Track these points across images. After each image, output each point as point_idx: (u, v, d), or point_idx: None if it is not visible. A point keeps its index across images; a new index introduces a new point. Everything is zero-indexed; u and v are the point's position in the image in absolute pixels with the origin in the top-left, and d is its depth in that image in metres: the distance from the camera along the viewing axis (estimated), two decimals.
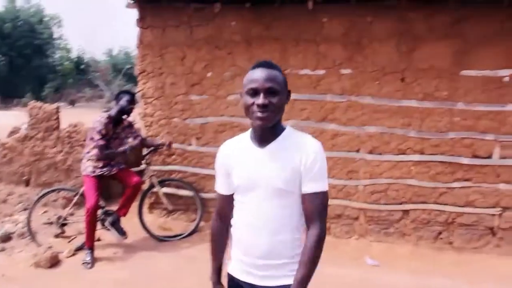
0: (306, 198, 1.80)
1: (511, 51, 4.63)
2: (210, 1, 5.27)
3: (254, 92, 1.77)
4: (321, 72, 4.96)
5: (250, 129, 1.91)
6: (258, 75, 1.78)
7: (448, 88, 4.72)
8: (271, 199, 1.81)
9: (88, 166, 4.81)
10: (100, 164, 4.83)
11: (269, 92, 1.75)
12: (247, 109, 1.79)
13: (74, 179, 6.10)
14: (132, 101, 4.87)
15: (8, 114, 16.89)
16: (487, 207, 4.78)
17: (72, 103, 24.44)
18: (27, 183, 6.60)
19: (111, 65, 29.07)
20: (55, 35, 29.58)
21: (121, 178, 5.00)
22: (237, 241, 1.94)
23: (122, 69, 26.78)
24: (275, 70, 1.82)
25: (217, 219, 2.06)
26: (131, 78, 26.23)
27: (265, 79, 1.76)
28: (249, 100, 1.77)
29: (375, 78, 4.86)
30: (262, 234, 1.83)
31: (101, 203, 4.98)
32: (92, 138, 4.73)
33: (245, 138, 1.92)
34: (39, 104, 6.44)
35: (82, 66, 29.16)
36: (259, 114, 1.74)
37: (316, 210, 1.80)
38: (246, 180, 1.85)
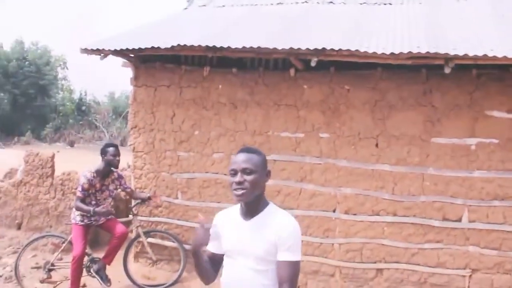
0: (280, 265, 2.18)
1: (478, 120, 5.04)
2: (199, 64, 5.79)
3: (234, 173, 2.17)
4: (301, 135, 5.39)
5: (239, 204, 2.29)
6: (237, 159, 2.20)
7: (419, 154, 5.13)
8: (251, 264, 2.20)
9: (77, 215, 5.23)
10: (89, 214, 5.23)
11: (245, 172, 2.15)
12: (230, 186, 2.20)
13: (64, 225, 6.49)
14: (117, 154, 5.28)
15: (8, 152, 17.38)
16: (457, 268, 5.09)
17: (71, 144, 25.09)
18: (18, 226, 7.05)
19: (111, 108, 30.23)
20: (59, 76, 30.97)
21: (108, 228, 5.40)
22: None
23: (122, 112, 27.64)
24: (253, 154, 2.22)
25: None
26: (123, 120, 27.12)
27: (242, 161, 2.17)
28: (231, 179, 2.18)
29: (351, 142, 5.28)
30: None
31: (88, 250, 5.37)
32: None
33: (235, 211, 2.32)
34: (35, 151, 6.93)
35: (83, 108, 30.45)
36: (236, 192, 2.16)
37: (288, 276, 2.16)
38: (232, 247, 2.25)
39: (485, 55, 4.33)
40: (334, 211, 5.34)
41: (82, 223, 5.20)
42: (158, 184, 5.95)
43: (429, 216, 5.13)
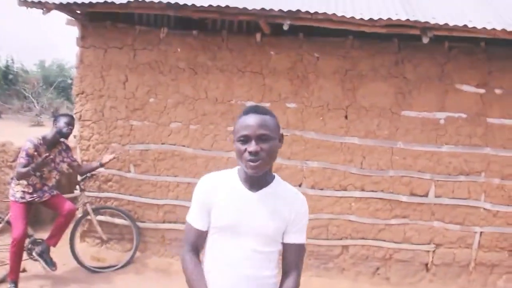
0: (289, 248, 1.92)
1: (449, 94, 5.00)
2: (155, 25, 5.33)
3: (246, 140, 1.80)
4: (267, 104, 5.12)
5: (238, 169, 1.94)
6: (249, 122, 1.81)
7: (389, 127, 5.02)
8: (256, 245, 1.87)
9: (16, 191, 4.69)
10: (30, 190, 4.72)
11: (261, 139, 1.79)
12: (239, 156, 1.82)
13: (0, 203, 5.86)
14: (71, 124, 4.79)
15: None
16: (422, 244, 5.08)
17: None
18: None
19: (42, 77, 28.14)
20: None
21: (53, 205, 4.90)
22: (210, 284, 1.88)
23: (53, 82, 26.57)
24: (267, 116, 1.85)
25: (192, 253, 1.94)
26: (63, 92, 27.11)
27: (257, 125, 1.80)
28: (241, 147, 1.81)
29: (319, 113, 5.08)
30: (240, 278, 1.87)
31: (29, 231, 4.86)
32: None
33: (233, 177, 1.93)
34: None
35: (10, 76, 28.26)
36: (251, 163, 1.79)
37: (296, 260, 1.92)
38: (233, 222, 1.87)
39: (465, 26, 4.26)
40: (300, 185, 5.15)
41: (22, 201, 4.66)
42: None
43: (397, 191, 5.07)
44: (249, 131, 1.79)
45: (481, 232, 5.08)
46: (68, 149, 4.99)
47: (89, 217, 5.27)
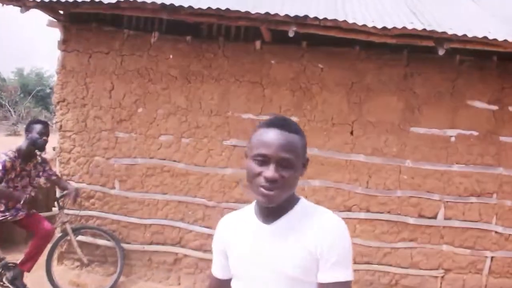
0: None
1: (459, 110, 4.75)
2: (145, 29, 4.95)
3: (263, 160, 1.43)
4: (266, 117, 4.68)
5: (255, 201, 1.57)
6: (272, 139, 1.43)
7: (397, 144, 4.73)
8: None
9: None
10: (2, 208, 4.29)
11: (282, 164, 1.42)
12: (251, 178, 1.46)
13: None
14: (45, 133, 4.37)
15: None
16: (430, 269, 4.79)
17: None
18: None
19: (20, 86, 28.14)
20: None
21: (28, 225, 4.48)
22: None
23: (32, 91, 26.49)
24: (295, 135, 1.47)
25: None
26: (41, 101, 26.88)
27: (281, 145, 1.42)
28: (256, 168, 1.44)
29: (323, 128, 4.77)
30: None
31: (0, 254, 4.40)
32: None
33: (249, 211, 1.60)
34: None
35: None
36: (264, 191, 1.42)
37: None
38: (247, 264, 1.54)
39: (484, 37, 3.96)
40: None
41: None
42: (89, 171, 5.03)
43: (404, 212, 4.77)
44: (270, 151, 1.42)
45: (492, 257, 4.80)
46: (44, 162, 4.58)
47: (68, 237, 4.81)
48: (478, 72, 4.75)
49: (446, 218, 4.79)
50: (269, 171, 1.41)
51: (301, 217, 1.51)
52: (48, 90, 28.31)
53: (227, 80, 4.85)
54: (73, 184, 4.78)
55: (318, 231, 1.47)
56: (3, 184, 4.14)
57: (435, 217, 4.78)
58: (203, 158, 4.88)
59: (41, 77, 30.86)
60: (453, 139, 4.75)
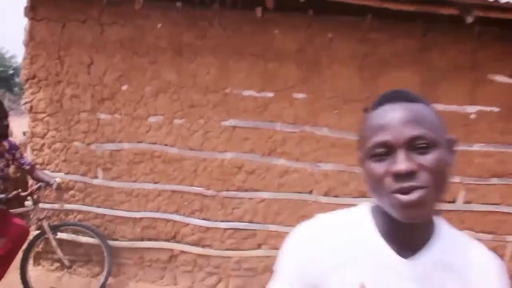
0: None
1: (480, 85, 4.37)
2: None
3: (385, 152, 0.95)
4: (269, 94, 4.30)
5: (371, 208, 1.09)
6: (390, 118, 0.96)
7: None
8: None
9: None
10: None
11: (415, 147, 0.93)
12: (376, 185, 0.96)
13: None
14: (3, 114, 3.74)
15: None
16: None
17: None
18: None
19: None
20: None
21: None
22: None
23: None
24: (421, 104, 1.01)
25: None
26: (4, 83, 26.31)
27: (405, 122, 0.95)
28: (377, 168, 0.95)
29: (334, 106, 4.31)
30: None
31: None
32: None
33: (362, 223, 1.06)
34: None
35: None
36: (401, 198, 0.91)
37: None
38: None
39: None
40: (310, 192, 4.38)
41: None
42: (68, 159, 4.45)
43: None
44: (391, 135, 0.94)
45: None
46: (13, 148, 3.94)
47: (46, 236, 4.22)
48: (499, 44, 4.36)
49: (466, 202, 4.44)
50: (399, 163, 0.91)
51: (450, 248, 1.01)
52: (10, 71, 28.07)
53: (224, 53, 4.32)
54: (50, 174, 4.17)
55: (482, 276, 1.00)
56: None
57: (454, 201, 4.43)
58: (199, 141, 4.36)
59: (2, 58, 29.56)
60: (473, 116, 4.38)
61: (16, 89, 26.71)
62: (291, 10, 4.17)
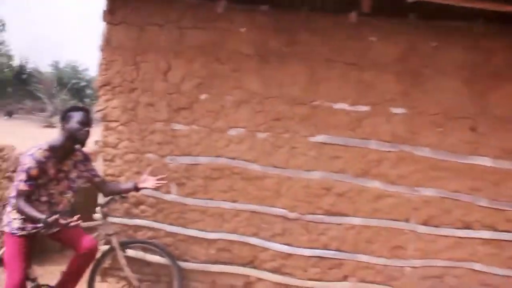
0: None
1: None
2: None
3: None
4: (364, 108, 3.98)
5: None
6: None
7: None
8: None
9: (13, 219, 3.43)
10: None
11: None
12: None
13: None
14: (87, 123, 3.48)
15: None
16: None
17: (9, 114, 24.01)
18: None
19: (56, 78, 29.33)
20: None
21: (66, 240, 3.68)
22: None
23: (67, 84, 27.87)
24: None
25: None
26: (76, 94, 29.04)
27: None
28: None
29: (437, 123, 3.95)
30: None
31: (31, 273, 3.60)
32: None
33: None
34: None
35: (24, 76, 29.66)
36: None
37: None
38: None
39: None
40: (407, 220, 3.96)
41: (21, 233, 3.41)
42: (140, 171, 4.24)
43: None
44: None
45: None
46: (86, 159, 3.69)
47: (114, 252, 3.99)
48: None
49: None
50: None
51: None
52: (83, 83, 30.86)
53: (314, 60, 4.04)
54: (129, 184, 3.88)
55: None
56: (21, 199, 3.27)
57: None
58: (284, 158, 4.06)
59: (76, 70, 32.20)
60: None
61: (87, 100, 29.40)
62: (389, 14, 3.86)
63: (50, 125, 19.99)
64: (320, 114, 4.00)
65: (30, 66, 30.87)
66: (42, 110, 24.67)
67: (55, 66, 32.43)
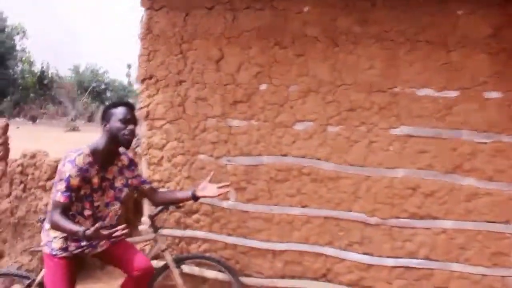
0: None
1: None
2: None
3: None
4: (454, 94, 3.54)
5: None
6: None
7: None
8: None
9: (54, 238, 3.02)
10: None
11: None
12: None
13: (27, 240, 4.38)
14: (131, 119, 3.02)
15: None
16: None
17: (33, 119, 24.95)
18: None
19: (76, 82, 31.37)
20: (18, 47, 31.23)
21: (115, 260, 3.27)
22: None
23: (88, 87, 29.97)
24: None
25: None
26: (97, 97, 31.54)
27: None
28: None
29: None
30: None
31: None
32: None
33: None
34: None
35: (46, 81, 30.49)
36: None
37: None
38: None
39: None
40: (508, 222, 3.55)
41: (64, 254, 3.01)
42: (192, 175, 3.88)
43: None
44: None
45: None
46: (133, 164, 3.26)
47: (168, 269, 3.63)
48: None
49: None
50: None
51: None
52: (103, 86, 33.08)
53: (393, 41, 3.61)
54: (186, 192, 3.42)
55: None
56: (56, 211, 2.81)
57: None
58: (361, 154, 3.66)
59: (96, 73, 33.70)
60: None
61: (108, 103, 31.62)
62: None
63: (73, 129, 20.89)
64: (402, 102, 3.58)
65: (50, 71, 32.40)
66: (65, 114, 25.90)
67: (75, 70, 34.27)
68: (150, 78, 3.94)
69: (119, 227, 2.77)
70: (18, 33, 31.10)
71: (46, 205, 4.28)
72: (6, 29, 30.48)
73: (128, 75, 35.08)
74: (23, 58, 31.62)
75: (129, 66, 34.50)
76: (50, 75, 31.80)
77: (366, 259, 3.65)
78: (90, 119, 26.03)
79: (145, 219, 4.00)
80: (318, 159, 3.69)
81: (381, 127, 3.60)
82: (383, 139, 3.59)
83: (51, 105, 27.97)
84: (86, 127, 21.33)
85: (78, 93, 29.14)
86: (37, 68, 31.41)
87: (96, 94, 31.70)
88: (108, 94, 32.88)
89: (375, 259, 3.65)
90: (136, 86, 4.40)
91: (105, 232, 2.74)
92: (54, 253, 3.02)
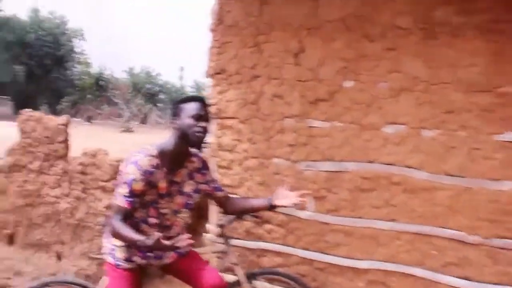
0: None
1: None
2: None
3: None
4: None
5: None
6: None
7: None
8: None
9: (115, 246, 2.79)
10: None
11: None
12: None
13: (86, 243, 4.30)
14: (204, 116, 2.73)
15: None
16: None
17: (89, 119, 27.16)
18: (10, 240, 4.88)
19: (131, 84, 33.89)
20: (76, 49, 34.35)
21: (184, 274, 2.99)
22: None
23: (141, 89, 32.10)
24: None
25: None
26: (150, 99, 34.02)
27: None
28: None
29: None
30: None
31: None
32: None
33: None
34: (37, 114, 4.73)
35: (102, 83, 32.91)
36: None
37: None
38: None
39: None
40: None
41: (128, 266, 2.77)
42: (266, 181, 3.64)
43: None
44: None
45: None
46: (205, 167, 2.95)
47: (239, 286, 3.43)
48: None
49: None
50: None
51: None
52: (156, 88, 35.40)
53: (499, 33, 3.20)
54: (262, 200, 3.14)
55: None
56: (117, 217, 2.55)
57: None
58: (460, 163, 3.29)
59: (149, 75, 36.17)
60: None
61: (161, 105, 34.53)
62: None
63: (127, 130, 22.01)
64: (509, 104, 3.18)
65: (107, 73, 35.02)
66: (119, 115, 27.59)
67: (130, 72, 36.69)
68: (221, 72, 3.78)
69: (182, 236, 2.50)
70: (77, 36, 34.24)
71: (106, 207, 4.16)
72: (66, 32, 33.62)
73: (180, 77, 36.68)
74: (81, 60, 34.61)
75: (181, 69, 35.98)
76: (106, 77, 34.38)
77: (463, 284, 3.25)
78: (144, 120, 27.89)
79: (209, 226, 3.77)
80: (410, 167, 3.35)
81: (484, 132, 3.20)
82: (486, 145, 3.20)
83: (106, 106, 30.20)
84: (140, 129, 21.98)
85: (132, 95, 30.74)
86: (93, 70, 34.21)
87: (150, 96, 33.89)
88: (162, 96, 35.01)
89: (474, 284, 3.25)
90: (206, 82, 4.18)
91: (167, 242, 2.48)
92: (118, 263, 2.81)
